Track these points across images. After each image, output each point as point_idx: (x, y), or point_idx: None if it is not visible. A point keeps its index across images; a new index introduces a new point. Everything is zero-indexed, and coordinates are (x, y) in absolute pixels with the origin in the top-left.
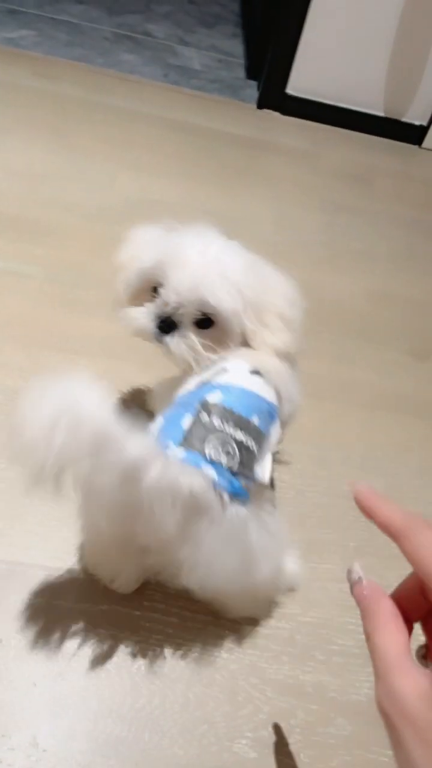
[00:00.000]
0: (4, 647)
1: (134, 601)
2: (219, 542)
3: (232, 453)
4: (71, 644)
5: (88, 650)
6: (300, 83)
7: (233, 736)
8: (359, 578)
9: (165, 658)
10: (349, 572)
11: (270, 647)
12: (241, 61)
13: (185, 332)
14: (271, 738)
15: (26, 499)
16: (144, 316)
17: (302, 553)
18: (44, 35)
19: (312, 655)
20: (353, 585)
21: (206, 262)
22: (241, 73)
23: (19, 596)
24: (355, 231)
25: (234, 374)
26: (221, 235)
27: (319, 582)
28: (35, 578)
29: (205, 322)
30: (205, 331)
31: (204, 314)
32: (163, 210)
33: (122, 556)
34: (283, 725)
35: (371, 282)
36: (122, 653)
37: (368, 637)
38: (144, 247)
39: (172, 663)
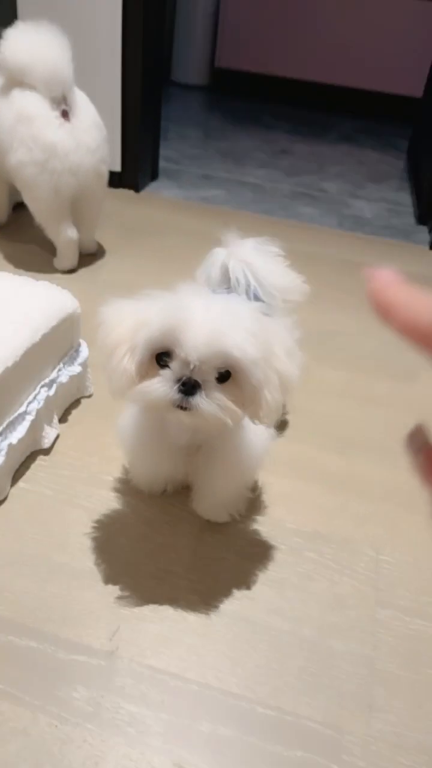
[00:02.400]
0: None
1: (331, 753)
2: None
3: None
4: None
5: None
6: None
7: None
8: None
9: None
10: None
11: None
12: (411, 209)
13: (211, 391)
14: None
15: (218, 617)
16: (162, 384)
17: None
18: (232, 194)
19: None
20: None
21: (217, 315)
22: (411, 220)
23: (208, 724)
24: None
25: None
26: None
27: None
28: (225, 706)
29: (223, 377)
30: (224, 386)
31: (223, 369)
32: (342, 339)
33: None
34: None
35: None
36: None
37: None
38: (126, 322)
39: None
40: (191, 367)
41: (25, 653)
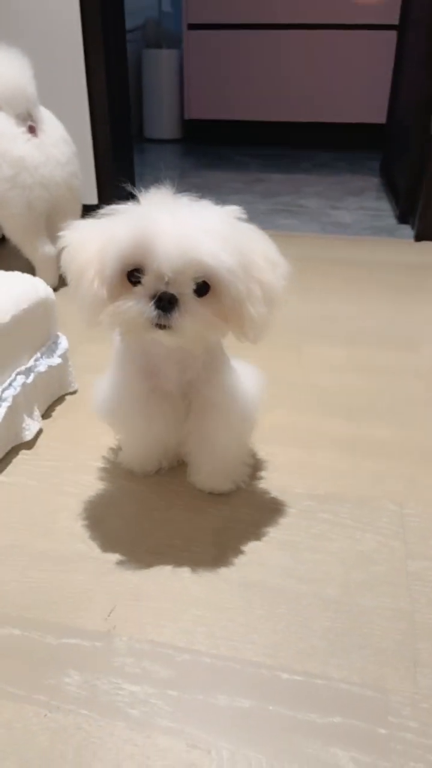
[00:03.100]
0: (214, 761)
1: (375, 716)
2: None
3: None
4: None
5: None
6: None
7: None
8: None
9: None
10: None
11: None
12: (391, 213)
13: (190, 305)
14: None
15: (227, 585)
16: (137, 302)
17: None
18: None
19: None
20: None
21: (186, 220)
22: (393, 221)
23: (227, 697)
24: None
25: None
26: (180, 196)
27: None
28: (242, 676)
29: (201, 290)
30: (203, 300)
31: (200, 280)
32: (340, 322)
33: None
34: None
35: None
36: None
37: None
38: (92, 242)
39: None
40: (165, 280)
41: (6, 642)
